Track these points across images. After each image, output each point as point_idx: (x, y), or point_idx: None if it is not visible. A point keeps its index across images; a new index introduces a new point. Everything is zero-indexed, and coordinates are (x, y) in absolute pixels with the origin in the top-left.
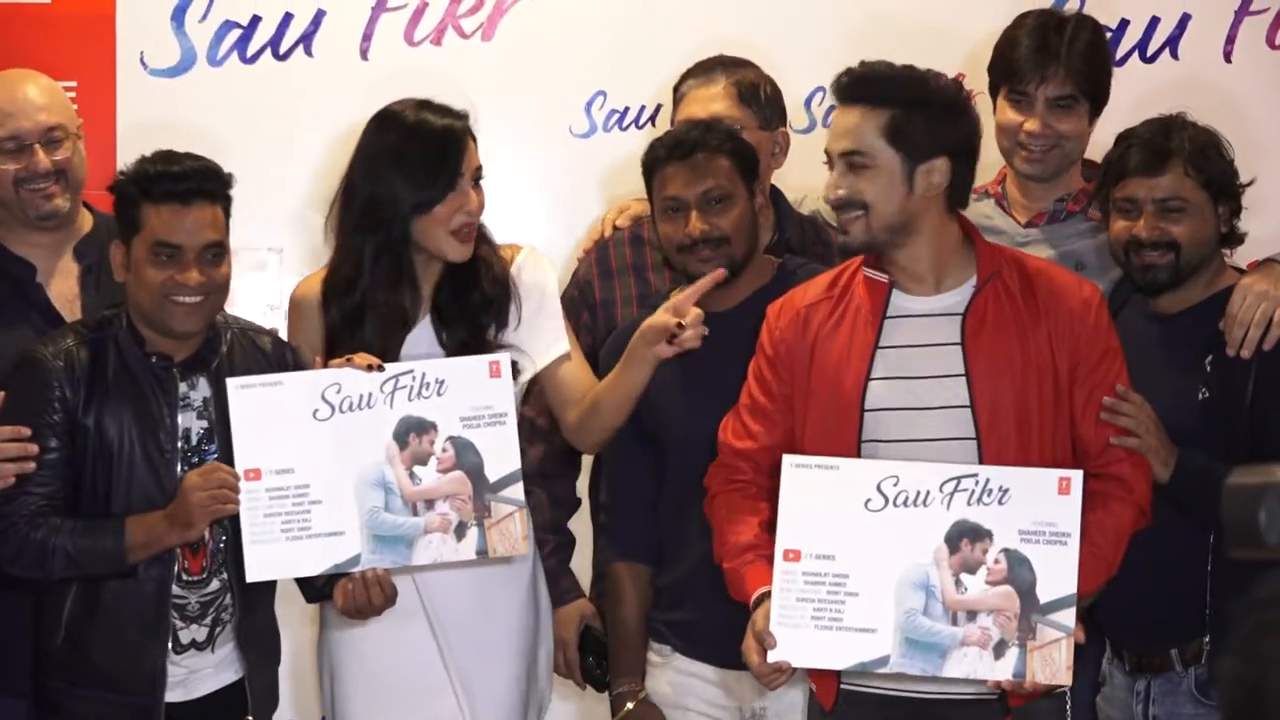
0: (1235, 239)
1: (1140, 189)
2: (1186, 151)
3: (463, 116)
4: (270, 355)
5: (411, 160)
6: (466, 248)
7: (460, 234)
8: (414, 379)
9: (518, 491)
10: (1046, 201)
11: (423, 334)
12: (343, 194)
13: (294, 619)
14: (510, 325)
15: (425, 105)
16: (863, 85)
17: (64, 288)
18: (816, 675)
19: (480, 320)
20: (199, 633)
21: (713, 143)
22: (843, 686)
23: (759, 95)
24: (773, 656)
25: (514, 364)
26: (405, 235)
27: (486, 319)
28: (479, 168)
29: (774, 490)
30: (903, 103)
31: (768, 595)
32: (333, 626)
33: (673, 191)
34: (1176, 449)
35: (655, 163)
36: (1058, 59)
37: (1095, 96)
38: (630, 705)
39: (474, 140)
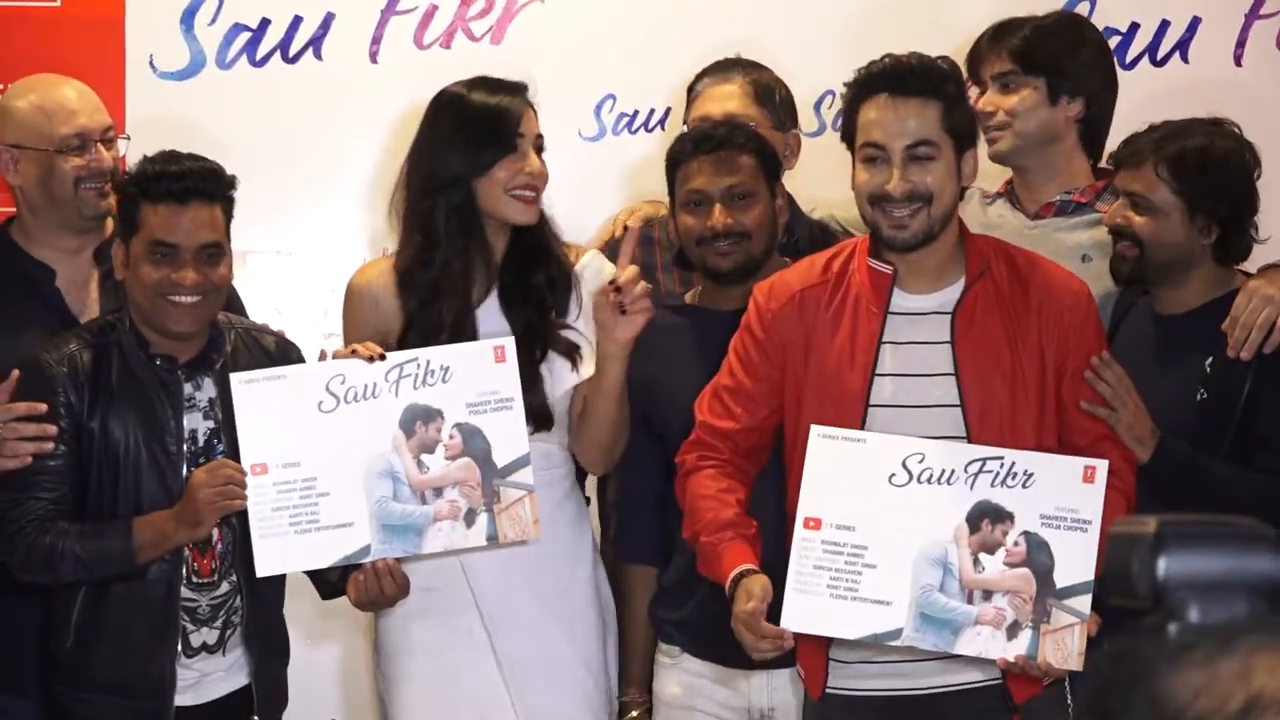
0: (1237, 252)
1: (1122, 179)
2: (1169, 154)
3: (519, 88)
4: (275, 355)
5: (469, 124)
6: (530, 210)
7: (522, 196)
8: (418, 367)
9: (527, 476)
10: (1053, 195)
11: (489, 314)
12: (405, 173)
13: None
14: (570, 316)
15: (482, 79)
16: (918, 77)
17: (84, 292)
18: (805, 658)
19: (546, 301)
20: (209, 635)
21: (739, 140)
22: (830, 690)
23: (774, 96)
24: (784, 621)
25: (578, 350)
26: (470, 199)
27: (550, 302)
28: (539, 135)
29: (750, 472)
30: (948, 94)
31: (746, 573)
32: (385, 644)
33: (697, 185)
34: (1158, 433)
35: (680, 156)
36: (999, 41)
37: (1048, 73)
38: (634, 714)
39: (533, 110)
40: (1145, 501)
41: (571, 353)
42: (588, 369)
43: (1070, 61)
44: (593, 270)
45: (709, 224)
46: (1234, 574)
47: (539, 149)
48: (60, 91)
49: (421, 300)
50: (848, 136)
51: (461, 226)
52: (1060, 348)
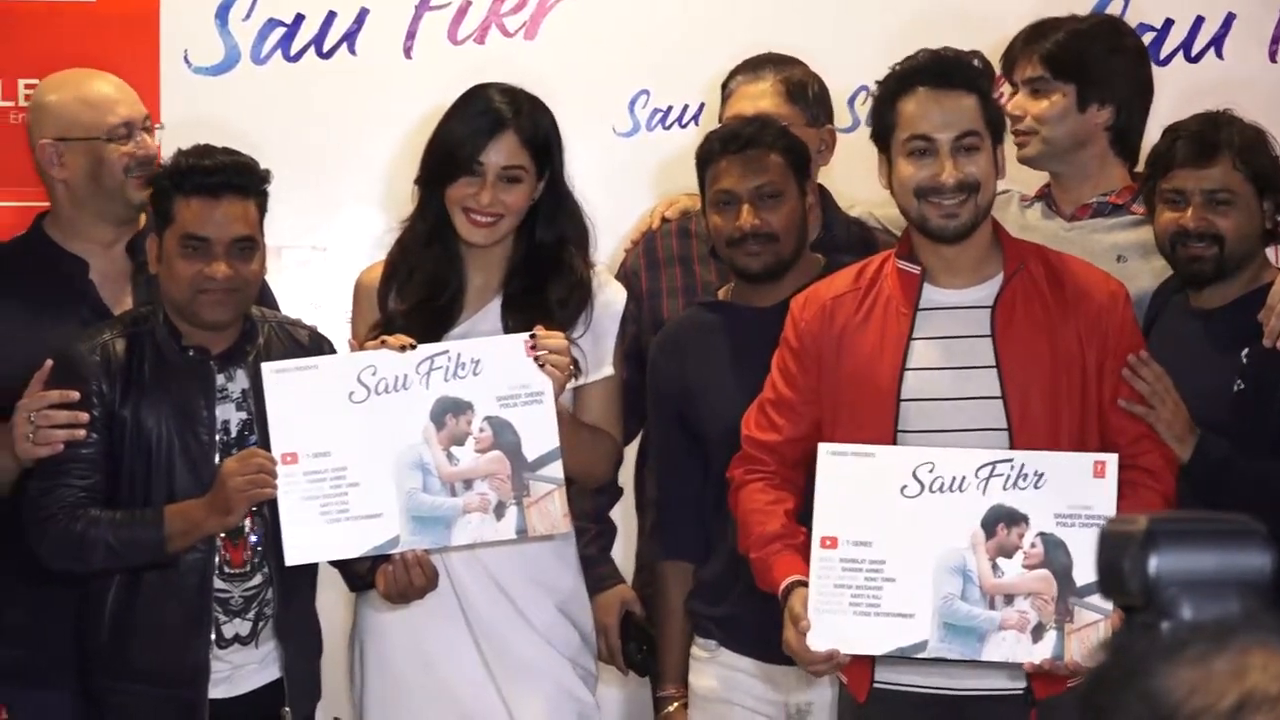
0: (1279, 235)
1: (1188, 180)
2: (1235, 144)
3: (502, 121)
4: (308, 349)
5: (438, 141)
6: (480, 232)
7: (473, 219)
8: (449, 359)
9: (556, 470)
10: (1089, 197)
11: (486, 319)
12: None
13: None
14: (577, 332)
15: (502, 89)
16: (958, 70)
17: (117, 285)
18: (850, 668)
19: (553, 315)
20: (242, 627)
21: (767, 139)
22: (875, 684)
23: (806, 93)
24: (810, 642)
25: (575, 363)
26: (441, 207)
27: (560, 317)
28: (507, 168)
29: (799, 482)
30: (984, 88)
31: (798, 584)
32: (365, 616)
33: (725, 185)
34: (1198, 431)
35: (709, 155)
36: (1033, 44)
37: (1079, 80)
38: (671, 709)
39: (520, 140)
40: (1188, 503)
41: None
42: (579, 381)
43: (1102, 69)
44: (601, 285)
45: (737, 225)
46: (1225, 571)
47: (509, 179)
48: (99, 83)
49: (383, 297)
50: (882, 132)
51: (430, 232)
52: (1099, 347)
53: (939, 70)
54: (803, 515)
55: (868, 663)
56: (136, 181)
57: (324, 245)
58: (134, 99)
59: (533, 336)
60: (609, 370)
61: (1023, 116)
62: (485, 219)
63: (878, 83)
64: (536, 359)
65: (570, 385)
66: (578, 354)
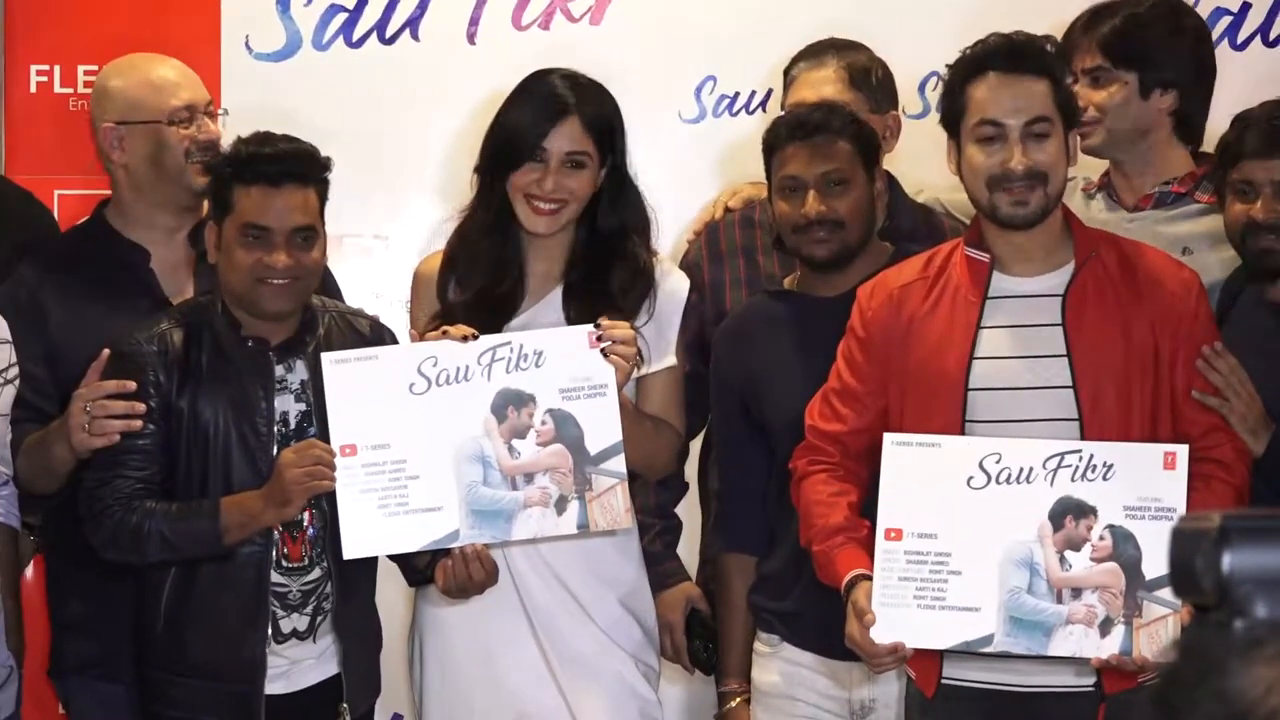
0: None
1: (1258, 171)
2: None
3: (565, 107)
4: (369, 339)
5: (499, 127)
6: (541, 220)
7: (535, 206)
8: (511, 350)
9: (619, 464)
10: (1150, 187)
11: (548, 309)
12: None
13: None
14: (640, 321)
15: (564, 74)
16: (1030, 54)
17: (177, 274)
18: (917, 662)
19: (614, 305)
20: (300, 622)
21: (835, 125)
22: (943, 680)
23: (870, 79)
24: (874, 636)
25: (639, 354)
26: (503, 194)
27: (623, 306)
28: (571, 154)
29: (862, 474)
30: (1056, 73)
31: (861, 577)
32: (424, 611)
33: (792, 171)
34: (1273, 425)
35: (776, 141)
36: (1090, 31)
37: (1139, 67)
38: (733, 704)
39: (583, 126)
40: (1262, 497)
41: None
42: (641, 371)
43: (1163, 54)
44: (666, 275)
45: (803, 212)
46: None
47: (574, 165)
48: (161, 67)
49: (442, 287)
50: (951, 117)
51: (491, 221)
52: (1171, 337)
53: (1010, 54)
54: (866, 508)
55: (936, 658)
56: (197, 167)
57: (386, 234)
58: (196, 83)
59: (598, 326)
60: (672, 360)
61: (1084, 108)
62: (548, 206)
63: (948, 67)
64: (601, 350)
65: (637, 373)
66: (641, 344)
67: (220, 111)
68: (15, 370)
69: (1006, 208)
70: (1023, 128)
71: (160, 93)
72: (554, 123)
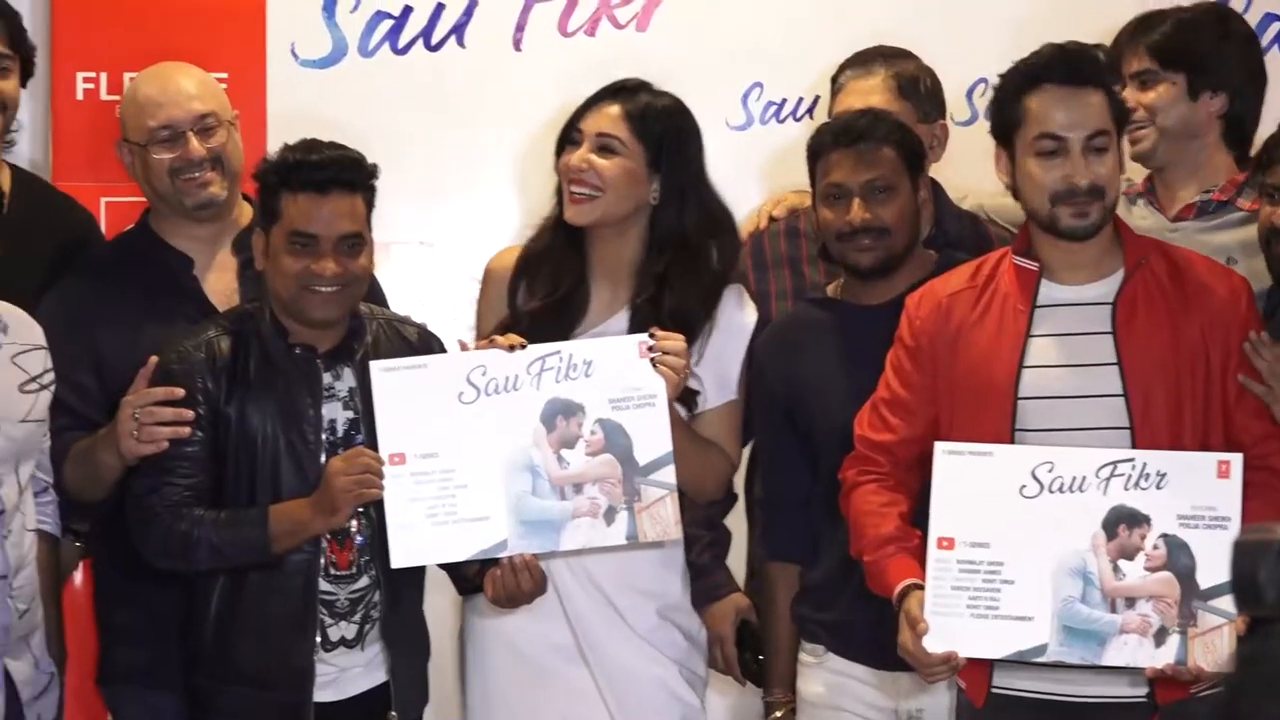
0: None
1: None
2: None
3: (605, 91)
4: (416, 346)
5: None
6: (576, 209)
7: (570, 192)
8: (561, 360)
9: (669, 475)
10: (1192, 195)
11: (617, 323)
12: None
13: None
14: (695, 353)
15: (630, 77)
16: (1087, 66)
17: (222, 281)
18: (967, 672)
19: (676, 319)
20: (348, 630)
21: (880, 132)
22: (993, 690)
23: (918, 88)
24: (926, 644)
25: (693, 393)
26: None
27: (685, 319)
28: (601, 134)
29: (912, 484)
30: (1111, 84)
31: (913, 587)
32: (472, 620)
33: (837, 178)
34: None
35: (821, 148)
36: (1140, 37)
37: (1188, 69)
38: (779, 714)
39: (620, 108)
40: None
41: (685, 397)
42: (700, 409)
43: (1212, 56)
44: (733, 305)
45: (848, 219)
46: None
47: (603, 147)
48: (153, 83)
49: (513, 290)
50: (1005, 127)
51: (557, 221)
52: (1222, 344)
53: (1068, 66)
54: (916, 518)
55: (985, 667)
56: (189, 184)
57: (432, 240)
58: (187, 99)
59: (651, 336)
60: (733, 395)
61: (1134, 108)
62: (580, 191)
63: (1000, 76)
64: (652, 360)
65: (688, 414)
66: (694, 383)
67: (228, 121)
68: (51, 376)
69: (1068, 220)
70: (1084, 141)
71: (141, 113)
72: (593, 105)
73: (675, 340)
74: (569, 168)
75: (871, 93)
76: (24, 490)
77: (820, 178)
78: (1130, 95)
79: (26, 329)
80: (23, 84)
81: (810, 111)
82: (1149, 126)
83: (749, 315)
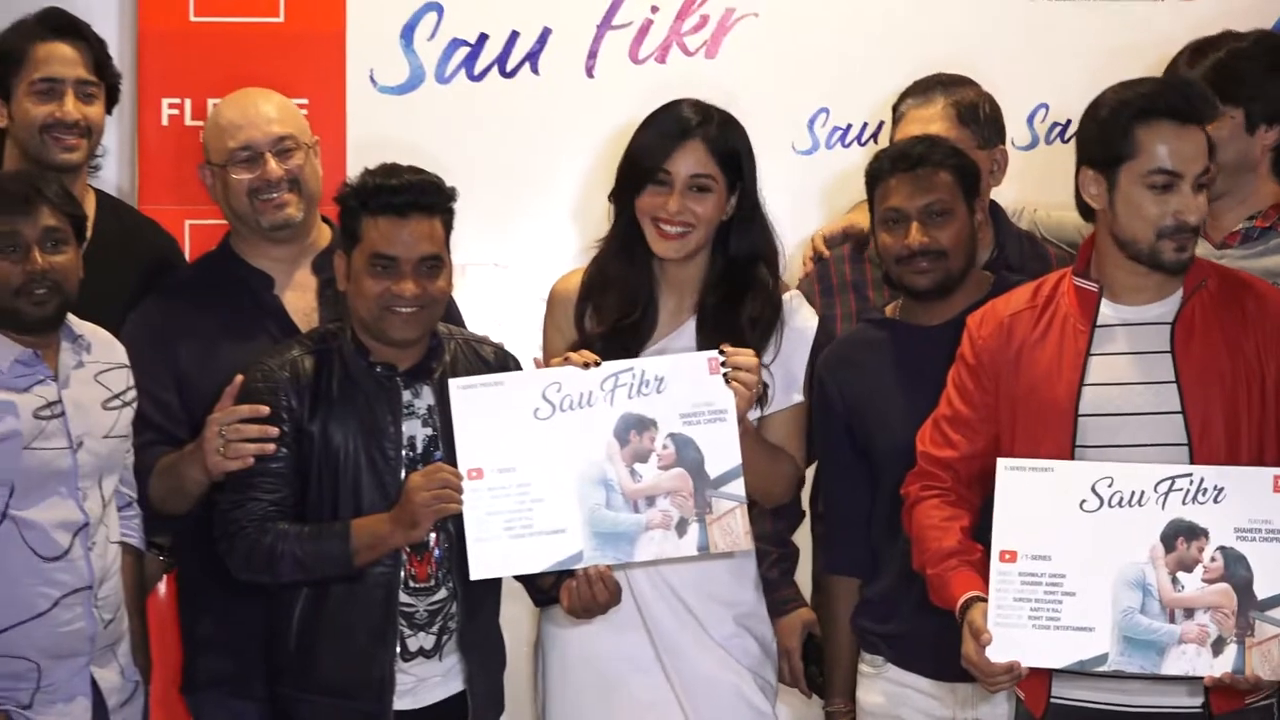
0: None
1: None
2: None
3: (687, 129)
4: (493, 365)
5: (630, 150)
6: (668, 245)
7: (660, 230)
8: (634, 376)
9: (739, 487)
10: (1237, 223)
11: (682, 338)
12: None
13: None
14: (767, 357)
15: (693, 102)
16: (1197, 104)
17: (302, 301)
18: (1026, 683)
19: (745, 337)
20: (426, 640)
21: (936, 158)
22: (1052, 700)
23: (978, 115)
24: (990, 654)
25: (765, 387)
26: (632, 218)
27: (751, 337)
28: (695, 176)
29: (973, 499)
30: (1209, 120)
31: (976, 599)
32: (548, 630)
33: (895, 203)
34: None
35: (879, 174)
36: (1195, 66)
37: (1244, 102)
38: None
39: (708, 149)
40: None
41: (763, 390)
42: (769, 410)
43: (1269, 87)
44: (797, 311)
45: (906, 243)
46: None
47: (699, 188)
48: (234, 107)
49: (579, 314)
50: (1111, 155)
51: (623, 243)
52: (1277, 362)
53: (1184, 102)
54: (977, 533)
55: (1044, 678)
56: (267, 205)
57: (507, 263)
58: (266, 122)
59: (721, 352)
60: (798, 397)
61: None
62: (675, 230)
63: (1111, 106)
64: (724, 376)
65: (759, 413)
66: (767, 378)
67: (307, 144)
68: (133, 394)
69: (1171, 254)
70: (1194, 178)
71: (222, 135)
72: (677, 144)
73: (746, 355)
74: (668, 211)
75: (932, 121)
76: (108, 504)
77: (879, 203)
78: None
79: (109, 348)
80: (108, 110)
81: (875, 136)
82: None
83: (810, 319)
